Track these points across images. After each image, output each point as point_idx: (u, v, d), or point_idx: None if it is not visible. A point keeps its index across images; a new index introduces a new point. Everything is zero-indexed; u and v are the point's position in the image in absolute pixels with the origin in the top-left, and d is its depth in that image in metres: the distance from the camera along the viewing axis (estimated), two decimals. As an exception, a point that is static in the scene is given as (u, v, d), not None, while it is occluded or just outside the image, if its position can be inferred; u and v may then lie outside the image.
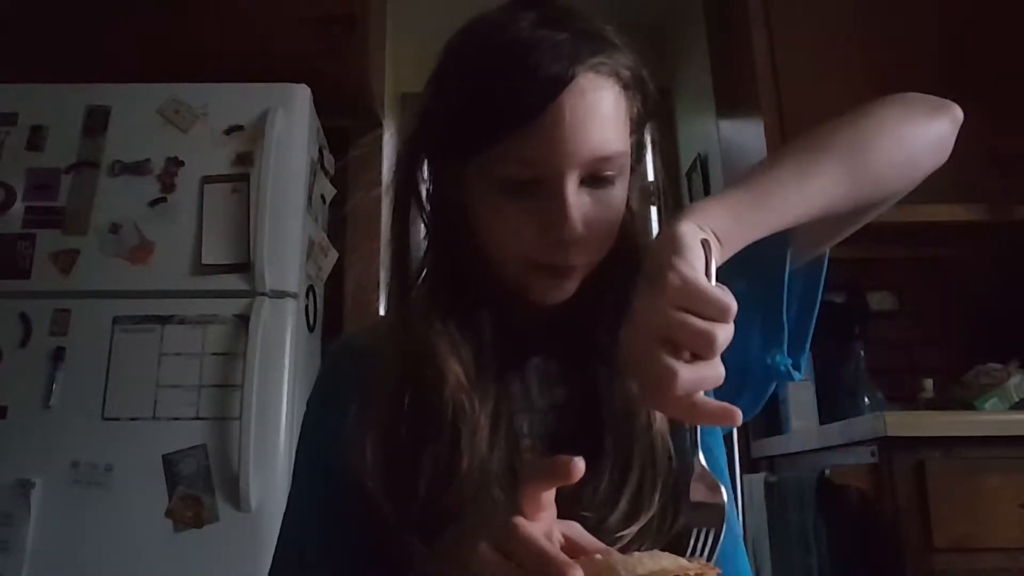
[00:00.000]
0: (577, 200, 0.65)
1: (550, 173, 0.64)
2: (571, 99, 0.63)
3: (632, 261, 0.71)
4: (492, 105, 0.63)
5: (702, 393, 0.53)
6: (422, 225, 0.76)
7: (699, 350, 0.52)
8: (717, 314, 0.52)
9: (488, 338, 0.71)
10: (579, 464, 0.49)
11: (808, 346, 0.74)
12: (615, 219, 0.69)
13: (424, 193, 0.74)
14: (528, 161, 0.64)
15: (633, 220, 0.73)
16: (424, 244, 0.76)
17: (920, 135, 0.69)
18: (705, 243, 0.55)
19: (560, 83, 0.62)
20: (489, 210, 0.68)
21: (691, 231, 0.55)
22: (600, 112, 0.64)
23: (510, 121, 0.63)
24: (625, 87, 0.67)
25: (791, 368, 0.72)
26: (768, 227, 0.61)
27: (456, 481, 0.64)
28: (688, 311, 0.52)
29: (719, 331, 0.52)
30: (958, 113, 0.71)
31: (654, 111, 0.72)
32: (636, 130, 0.71)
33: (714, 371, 0.52)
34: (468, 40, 0.69)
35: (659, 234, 0.56)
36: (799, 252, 0.71)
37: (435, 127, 0.70)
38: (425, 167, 0.74)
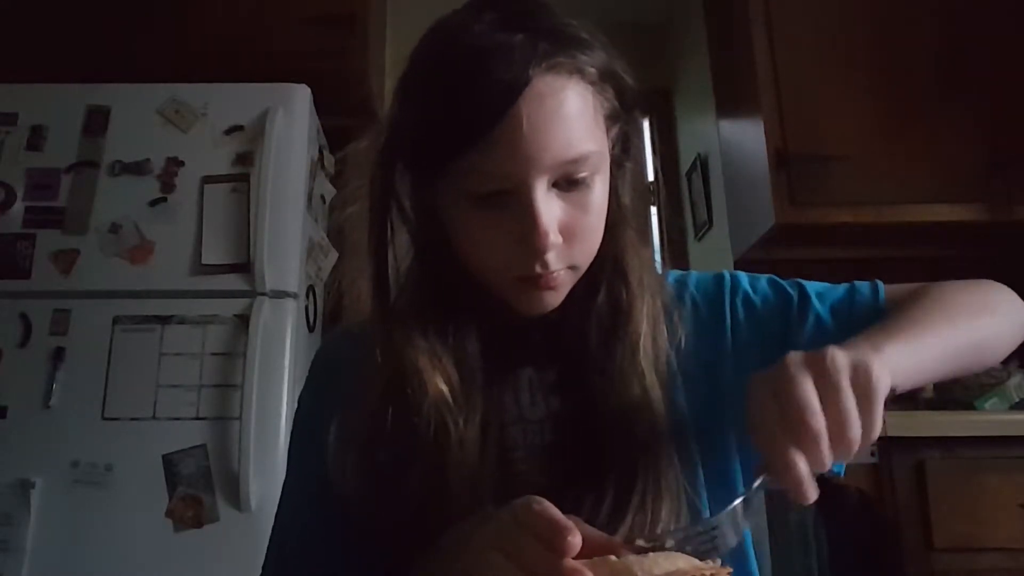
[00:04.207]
0: (547, 207, 0.62)
1: (515, 183, 0.61)
2: (528, 105, 0.59)
3: (621, 260, 0.70)
4: (449, 117, 0.61)
5: None
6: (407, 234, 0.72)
7: (832, 426, 0.52)
8: (869, 423, 0.53)
9: (474, 349, 0.69)
10: (576, 542, 0.47)
11: None
12: (595, 221, 0.66)
13: (408, 202, 0.71)
14: (491, 173, 0.61)
15: (623, 215, 0.71)
16: (410, 254, 0.73)
17: (1016, 338, 0.75)
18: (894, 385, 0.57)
19: (515, 90, 0.59)
20: (463, 222, 0.65)
21: (887, 366, 0.56)
22: (562, 114, 0.61)
23: (468, 133, 0.60)
24: (592, 83, 0.64)
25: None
26: (910, 384, 0.64)
27: (445, 496, 0.63)
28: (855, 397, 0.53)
29: (856, 430, 0.52)
30: None
31: (634, 103, 0.69)
32: (613, 125, 0.68)
33: (827, 452, 0.52)
34: (427, 46, 0.66)
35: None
36: None
37: (403, 138, 0.67)
38: (405, 176, 0.71)
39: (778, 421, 0.52)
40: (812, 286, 0.76)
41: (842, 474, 0.71)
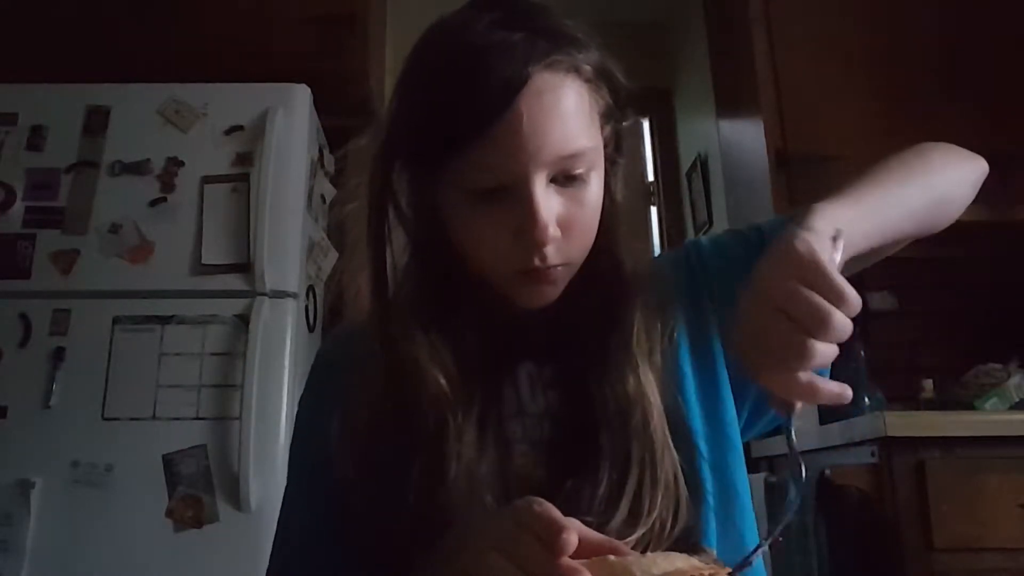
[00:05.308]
0: (546, 201, 0.63)
1: (515, 178, 0.63)
2: (527, 101, 0.61)
3: (615, 256, 0.71)
4: (449, 115, 0.62)
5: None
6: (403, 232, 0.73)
7: (813, 327, 0.53)
8: (836, 298, 0.53)
9: (473, 344, 0.70)
10: (572, 540, 0.48)
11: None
12: (591, 216, 0.68)
13: (404, 201, 0.72)
14: (491, 168, 0.62)
15: (616, 212, 0.72)
16: (407, 251, 0.74)
17: (971, 181, 0.79)
18: (835, 237, 0.58)
19: (514, 86, 0.61)
20: (462, 219, 0.66)
21: (823, 224, 0.58)
22: (560, 110, 0.63)
23: (468, 130, 0.61)
24: (587, 81, 0.66)
25: None
26: (871, 241, 0.66)
27: (444, 489, 0.63)
28: (811, 288, 0.54)
29: (836, 314, 0.53)
30: (986, 166, 0.81)
31: (627, 102, 0.71)
32: (607, 123, 0.69)
33: (832, 351, 0.54)
34: (425, 45, 0.68)
35: (790, 227, 0.58)
36: None
37: (402, 136, 0.69)
38: (403, 175, 0.72)
39: (760, 364, 0.55)
40: (767, 222, 0.80)
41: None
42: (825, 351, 0.54)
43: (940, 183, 0.74)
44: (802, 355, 0.53)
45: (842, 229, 0.59)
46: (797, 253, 0.55)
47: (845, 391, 0.55)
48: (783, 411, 0.58)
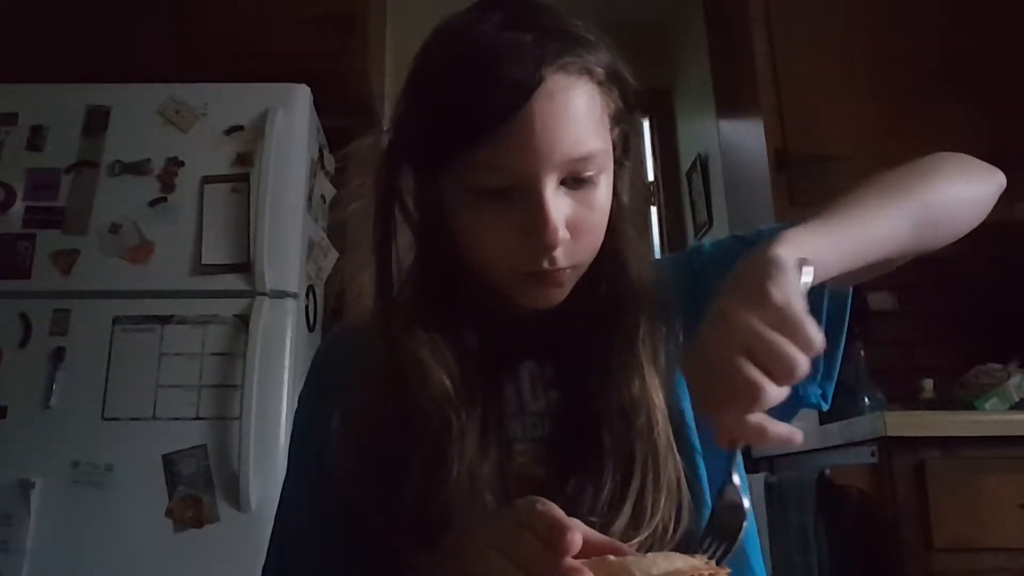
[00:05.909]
0: (556, 203, 0.63)
1: (525, 180, 0.62)
2: (540, 102, 0.61)
3: (621, 257, 0.71)
4: (460, 114, 0.62)
5: None
6: (409, 231, 0.73)
7: (778, 375, 0.51)
8: (803, 345, 0.51)
9: (474, 343, 0.70)
10: (576, 540, 0.48)
11: (836, 376, 0.72)
12: (600, 219, 0.67)
13: (410, 200, 0.72)
14: (502, 169, 0.62)
15: (622, 214, 0.72)
16: (412, 250, 0.74)
17: (978, 199, 0.73)
18: (801, 263, 0.55)
19: (527, 88, 0.60)
20: (469, 219, 0.66)
21: (790, 257, 0.55)
22: (571, 112, 0.62)
23: (479, 130, 0.61)
24: (599, 83, 0.66)
25: (821, 398, 0.72)
26: (845, 266, 0.62)
27: (445, 489, 0.63)
28: (781, 333, 0.51)
29: (803, 362, 0.51)
30: (1003, 180, 0.75)
31: (635, 104, 0.71)
32: (617, 125, 0.69)
33: (782, 396, 0.52)
34: (434, 45, 0.67)
35: (754, 254, 0.56)
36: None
37: (409, 136, 0.69)
38: (410, 175, 0.72)
39: (713, 398, 0.53)
40: (769, 228, 0.78)
41: (825, 407, 0.71)
42: (780, 394, 0.52)
43: (938, 202, 0.70)
44: (758, 398, 0.51)
45: (807, 257, 0.56)
46: (771, 297, 0.52)
47: (795, 435, 0.53)
48: (726, 446, 0.55)
